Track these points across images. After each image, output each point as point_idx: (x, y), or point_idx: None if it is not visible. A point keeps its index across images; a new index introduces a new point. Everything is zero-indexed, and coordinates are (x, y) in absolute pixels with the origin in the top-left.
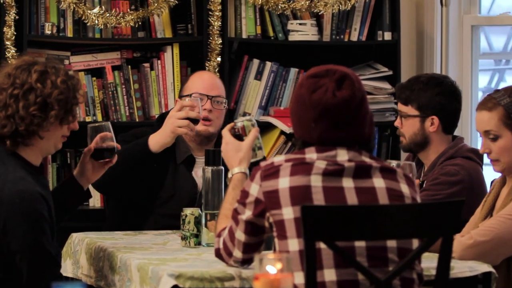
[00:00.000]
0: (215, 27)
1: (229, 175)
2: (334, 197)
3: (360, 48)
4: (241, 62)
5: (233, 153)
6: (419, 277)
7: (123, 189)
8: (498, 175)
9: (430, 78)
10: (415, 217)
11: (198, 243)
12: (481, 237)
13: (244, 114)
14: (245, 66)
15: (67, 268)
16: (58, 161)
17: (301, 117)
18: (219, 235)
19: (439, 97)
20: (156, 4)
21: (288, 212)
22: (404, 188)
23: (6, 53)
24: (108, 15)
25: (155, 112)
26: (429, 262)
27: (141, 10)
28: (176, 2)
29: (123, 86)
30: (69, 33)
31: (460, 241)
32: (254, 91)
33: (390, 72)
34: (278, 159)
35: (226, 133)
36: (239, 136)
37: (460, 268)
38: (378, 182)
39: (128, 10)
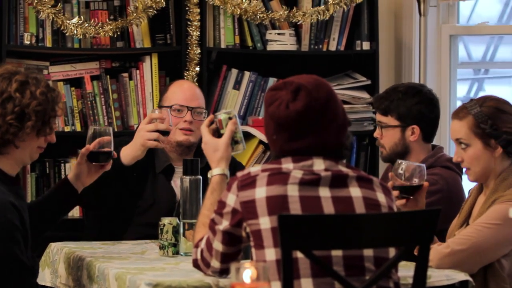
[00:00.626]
0: (193, 37)
1: (209, 175)
2: (310, 207)
3: (338, 58)
4: (219, 71)
5: (211, 153)
6: (396, 286)
7: (101, 202)
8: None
9: (408, 87)
10: (392, 226)
11: (176, 253)
12: (458, 246)
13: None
14: (224, 75)
15: (45, 278)
16: (37, 171)
17: (265, 130)
18: (196, 246)
19: (419, 106)
20: (135, 14)
21: (265, 222)
22: (381, 197)
23: None
24: (87, 25)
25: (133, 122)
26: (406, 271)
27: (120, 20)
28: (155, 12)
29: (102, 96)
30: (48, 43)
31: (437, 249)
32: (233, 100)
33: (369, 82)
34: (255, 169)
35: (204, 130)
36: (218, 130)
37: (437, 276)
38: (355, 191)
39: (107, 20)
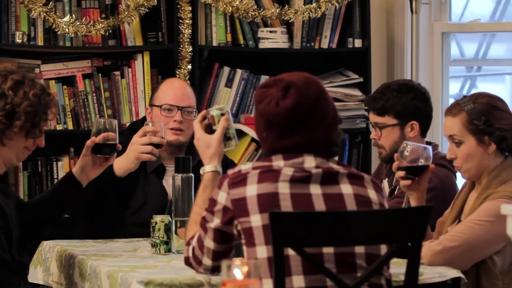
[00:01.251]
0: (185, 35)
1: (201, 172)
2: (301, 204)
3: (330, 56)
4: (211, 69)
5: (203, 149)
6: (387, 283)
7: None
8: None
9: (400, 84)
10: (383, 223)
11: (168, 250)
12: (450, 243)
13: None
14: (216, 73)
15: (37, 276)
16: (29, 169)
17: (256, 128)
18: (188, 243)
19: (415, 101)
20: (126, 13)
21: (256, 220)
22: (372, 194)
23: None
24: (78, 23)
25: (125, 120)
26: (398, 268)
27: (111, 19)
28: (147, 10)
29: (94, 94)
30: (40, 41)
31: (429, 246)
32: (225, 98)
33: (361, 79)
34: (245, 167)
35: (197, 126)
36: (210, 126)
37: (429, 273)
38: (346, 188)
39: (99, 18)
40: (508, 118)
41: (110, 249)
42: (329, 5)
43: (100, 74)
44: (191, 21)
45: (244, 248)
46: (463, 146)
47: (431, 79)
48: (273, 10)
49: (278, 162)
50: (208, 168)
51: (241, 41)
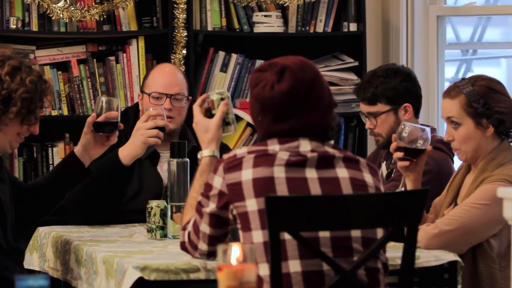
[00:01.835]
0: (180, 19)
1: (199, 156)
2: (297, 188)
3: (325, 40)
4: (206, 54)
5: (201, 134)
6: (384, 267)
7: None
8: None
9: (386, 70)
10: (379, 207)
11: (164, 236)
12: (447, 226)
13: None
14: (211, 58)
15: (33, 262)
16: (24, 155)
17: (251, 112)
18: (184, 228)
19: (403, 84)
20: None
21: (252, 204)
22: (368, 178)
23: None
24: (73, 8)
25: (121, 105)
26: (394, 252)
27: (106, 4)
28: None
29: (89, 80)
30: (34, 27)
31: (426, 230)
32: (220, 83)
33: (356, 63)
34: (241, 151)
35: (196, 109)
36: (209, 110)
37: (426, 257)
38: (342, 172)
39: (93, 3)
40: (506, 101)
41: (106, 234)
42: None
43: (94, 60)
44: (185, 5)
45: (240, 232)
46: (460, 129)
47: (427, 62)
48: None
49: (273, 146)
50: (206, 152)
51: (236, 25)
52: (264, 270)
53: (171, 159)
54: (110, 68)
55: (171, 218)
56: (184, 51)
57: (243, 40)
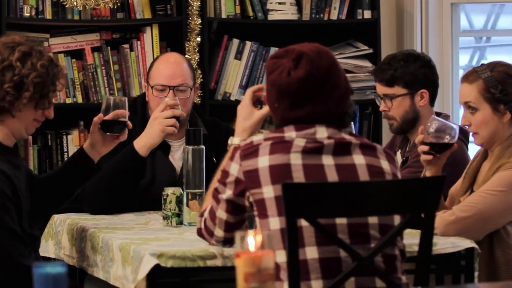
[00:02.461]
0: (194, 7)
1: (229, 142)
2: (314, 175)
3: (340, 27)
4: (220, 42)
5: (241, 119)
6: (401, 254)
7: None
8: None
9: (406, 54)
10: (396, 193)
11: (180, 223)
12: (463, 213)
13: (225, 94)
14: (225, 46)
15: (49, 249)
16: (39, 143)
17: (267, 98)
18: (201, 215)
19: (423, 70)
20: None
21: (269, 191)
22: (385, 164)
23: None
24: None
25: (135, 93)
26: (411, 239)
27: None
28: None
29: (103, 68)
30: (48, 15)
31: (442, 217)
32: (234, 71)
33: (370, 50)
34: (257, 138)
35: (248, 93)
36: (260, 102)
37: (443, 244)
38: (358, 159)
39: None
40: None
41: (122, 222)
42: None
43: (109, 47)
44: None
45: (257, 219)
46: (478, 114)
47: (441, 50)
48: None
49: (290, 133)
50: (236, 140)
51: (250, 13)
52: (281, 257)
53: (187, 146)
54: (124, 56)
55: (187, 205)
56: (198, 39)
57: (257, 28)
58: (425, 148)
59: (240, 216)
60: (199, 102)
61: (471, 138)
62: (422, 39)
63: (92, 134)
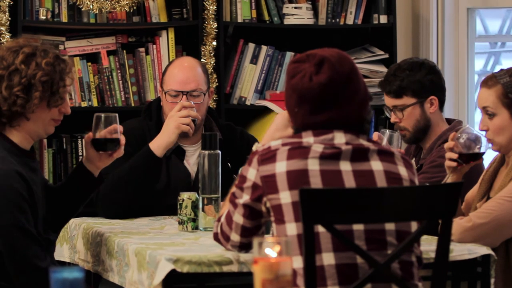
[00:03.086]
0: (210, 11)
1: (254, 148)
2: (331, 181)
3: (355, 32)
4: (236, 46)
5: (273, 128)
6: (418, 260)
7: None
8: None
9: (410, 63)
10: (414, 200)
11: (195, 228)
12: (480, 220)
13: (240, 99)
14: (241, 50)
15: (64, 253)
16: (54, 146)
17: (287, 102)
18: (218, 220)
19: (429, 77)
20: None
21: (286, 197)
22: (402, 171)
23: (1, 38)
24: (102, 0)
25: (150, 96)
26: (428, 245)
27: None
28: None
29: (119, 71)
30: (64, 18)
31: (459, 223)
32: (250, 75)
33: (386, 55)
34: (275, 143)
35: None
36: None
37: (459, 250)
38: (376, 165)
39: None
40: None
41: (137, 226)
42: None
43: (124, 51)
44: None
45: (274, 225)
46: (495, 119)
47: (456, 55)
48: None
49: (308, 138)
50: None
51: (266, 17)
52: (297, 262)
53: (203, 150)
54: (140, 59)
55: (203, 210)
56: (214, 43)
57: (273, 32)
58: (454, 156)
59: (257, 221)
60: (214, 106)
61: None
62: (438, 44)
63: (87, 151)
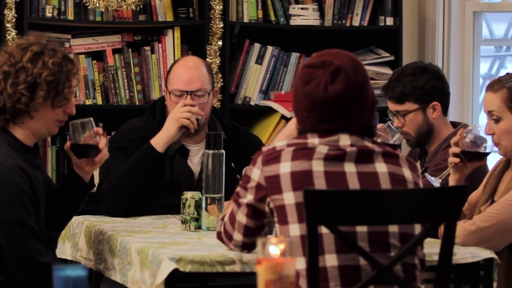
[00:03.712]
0: (216, 11)
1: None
2: (335, 182)
3: (361, 33)
4: (242, 46)
5: (288, 132)
6: (421, 263)
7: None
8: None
9: (414, 68)
10: (418, 202)
11: (198, 227)
12: (484, 223)
13: (245, 99)
14: (246, 50)
15: (66, 251)
16: (57, 144)
17: (296, 106)
18: (222, 219)
19: (432, 82)
20: None
21: (289, 197)
22: (407, 173)
23: (7, 35)
24: None
25: (155, 95)
26: (431, 248)
27: None
28: None
29: (124, 70)
30: (70, 16)
31: (463, 226)
32: (255, 75)
33: (392, 58)
34: (280, 144)
35: None
36: None
37: (462, 254)
38: (380, 167)
39: None
40: None
41: (140, 225)
42: None
43: (130, 49)
44: None
45: (277, 226)
46: (501, 123)
47: (462, 58)
48: None
49: (313, 139)
50: None
51: (272, 17)
52: (300, 263)
53: (207, 150)
54: (145, 58)
55: (206, 209)
56: (220, 43)
57: (279, 33)
58: (457, 150)
59: (260, 221)
60: (219, 106)
61: (494, 148)
62: (443, 47)
63: (72, 158)
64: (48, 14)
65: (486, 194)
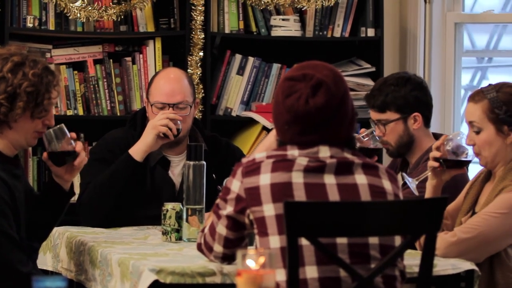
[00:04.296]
0: (197, 21)
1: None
2: (315, 194)
3: (343, 45)
4: (223, 57)
5: (267, 144)
6: (401, 274)
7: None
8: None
9: (396, 78)
10: (398, 214)
11: (179, 238)
12: (465, 235)
13: (226, 110)
14: (228, 61)
15: (47, 262)
16: (38, 154)
17: (277, 118)
18: (202, 230)
19: (414, 93)
20: None
21: (269, 209)
22: (387, 185)
23: None
24: (90, 8)
25: (136, 106)
26: (411, 259)
27: (123, 4)
28: None
29: (105, 80)
30: (51, 26)
31: (444, 238)
32: (236, 86)
33: (373, 69)
34: (260, 155)
35: None
36: None
37: (443, 265)
38: (360, 179)
39: (111, 3)
40: None
41: (121, 236)
42: None
43: (111, 60)
44: (203, 7)
45: (257, 237)
46: (482, 134)
47: (444, 69)
48: None
49: (292, 151)
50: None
51: (254, 28)
52: (280, 275)
53: (188, 161)
54: (127, 68)
55: (186, 220)
56: (201, 53)
57: (260, 44)
58: (437, 154)
59: (240, 233)
60: (200, 117)
61: (475, 159)
62: (425, 58)
63: (51, 168)
64: (29, 25)
65: (467, 205)
